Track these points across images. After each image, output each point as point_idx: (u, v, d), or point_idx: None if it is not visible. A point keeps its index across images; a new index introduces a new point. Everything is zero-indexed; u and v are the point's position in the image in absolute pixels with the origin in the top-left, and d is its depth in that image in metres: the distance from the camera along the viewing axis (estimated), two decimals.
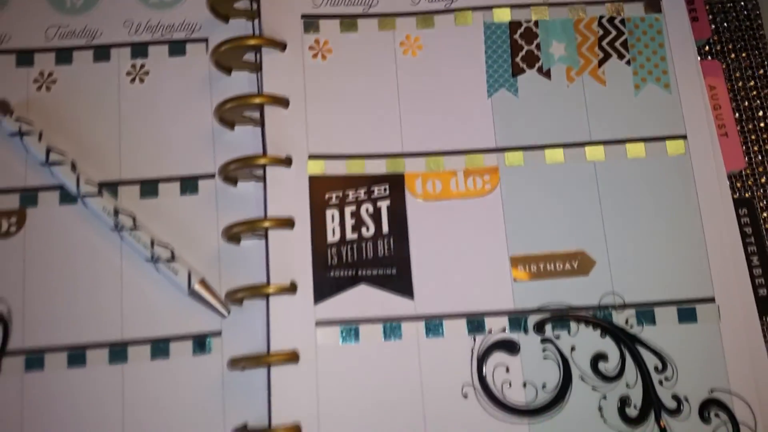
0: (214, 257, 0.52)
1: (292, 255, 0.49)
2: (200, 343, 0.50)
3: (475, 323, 0.49)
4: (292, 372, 0.47)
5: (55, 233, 0.52)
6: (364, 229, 0.50)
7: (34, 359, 0.50)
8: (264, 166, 0.50)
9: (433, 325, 0.49)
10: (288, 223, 0.49)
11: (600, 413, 0.47)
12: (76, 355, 0.50)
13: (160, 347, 0.50)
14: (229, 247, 0.51)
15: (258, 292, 0.48)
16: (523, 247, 0.50)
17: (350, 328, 0.48)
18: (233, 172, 0.51)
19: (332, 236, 0.50)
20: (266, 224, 0.48)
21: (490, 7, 0.55)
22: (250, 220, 0.49)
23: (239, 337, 0.50)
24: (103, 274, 0.52)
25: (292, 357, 0.47)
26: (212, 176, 0.53)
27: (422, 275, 0.50)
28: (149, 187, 0.53)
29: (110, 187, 0.53)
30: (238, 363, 0.47)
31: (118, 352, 0.50)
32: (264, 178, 0.50)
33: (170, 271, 0.50)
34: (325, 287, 0.49)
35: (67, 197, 0.52)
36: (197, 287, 0.50)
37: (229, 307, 0.50)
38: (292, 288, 0.48)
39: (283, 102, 0.51)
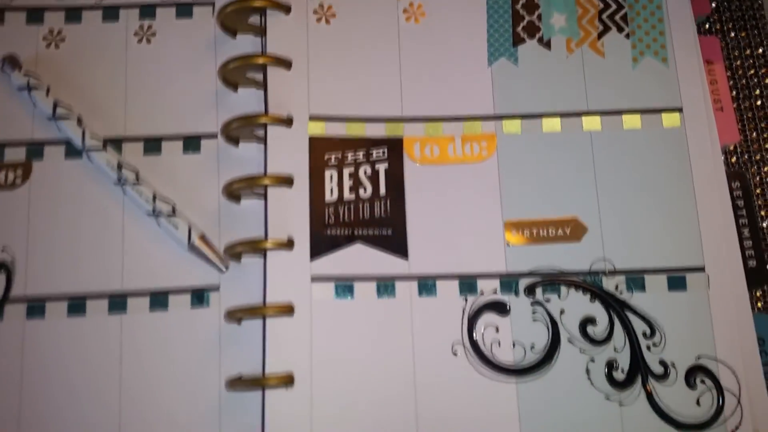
0: (214, 215, 0.52)
1: (290, 212, 0.50)
2: (198, 297, 0.51)
3: (468, 284, 0.50)
4: (286, 324, 0.48)
5: (60, 186, 0.52)
6: (361, 190, 0.51)
7: (36, 307, 0.51)
8: (265, 125, 0.51)
9: (427, 285, 0.50)
10: (287, 181, 0.50)
11: (587, 375, 0.48)
12: (77, 305, 0.51)
13: (159, 299, 0.51)
14: (229, 206, 0.52)
15: (256, 247, 0.49)
16: (517, 213, 0.51)
17: (345, 285, 0.49)
18: (235, 131, 0.52)
19: (330, 196, 0.51)
20: (266, 181, 0.49)
21: None
22: (250, 176, 0.50)
23: (237, 291, 0.51)
24: (105, 226, 0.52)
25: (287, 310, 0.48)
26: (215, 136, 0.53)
27: (417, 236, 0.50)
28: (152, 145, 0.54)
29: (115, 144, 0.54)
30: (234, 315, 0.48)
31: (117, 302, 0.51)
32: (265, 138, 0.50)
33: (171, 226, 0.51)
34: (322, 244, 0.50)
35: (72, 151, 0.53)
36: (197, 242, 0.51)
37: (227, 262, 0.51)
38: (289, 244, 0.49)
39: (286, 63, 0.52)
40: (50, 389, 0.49)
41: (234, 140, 0.52)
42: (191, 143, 0.54)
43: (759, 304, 0.53)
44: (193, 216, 0.52)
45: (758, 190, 0.55)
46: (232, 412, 0.49)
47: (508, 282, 0.49)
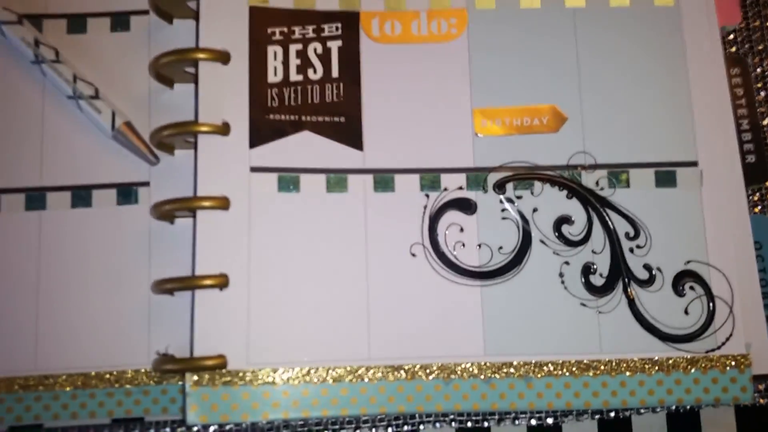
0: (143, 102, 0.47)
1: (226, 93, 0.43)
2: (125, 193, 0.46)
3: (430, 179, 0.44)
4: (221, 219, 0.42)
5: None
6: (310, 71, 0.44)
7: None
8: None
9: (383, 179, 0.43)
10: (222, 56, 0.44)
11: (560, 279, 0.43)
12: None
13: (81, 195, 0.46)
14: (160, 92, 0.47)
15: (185, 129, 0.42)
16: (488, 100, 0.45)
17: (290, 177, 0.43)
18: (166, 3, 0.45)
19: (274, 76, 0.44)
20: (198, 55, 0.43)
21: None
22: (178, 50, 0.43)
23: (169, 187, 0.46)
24: (21, 113, 0.47)
25: (222, 203, 0.42)
26: (146, 12, 0.48)
27: (374, 125, 0.44)
28: (77, 22, 0.48)
29: (34, 20, 0.47)
30: (161, 209, 0.43)
31: (35, 198, 0.46)
32: (197, 6, 0.43)
33: (93, 110, 0.45)
34: (263, 131, 0.43)
35: None
36: (122, 128, 0.44)
37: (157, 154, 0.45)
38: (224, 129, 0.43)
39: None
40: None
41: (167, 16, 0.46)
42: (120, 20, 0.48)
43: (757, 209, 0.47)
44: (121, 103, 0.46)
45: (759, 84, 0.49)
46: (162, 316, 0.44)
47: (476, 177, 0.43)
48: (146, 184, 0.46)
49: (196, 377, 0.40)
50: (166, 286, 0.41)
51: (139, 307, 0.44)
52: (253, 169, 0.43)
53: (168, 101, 0.47)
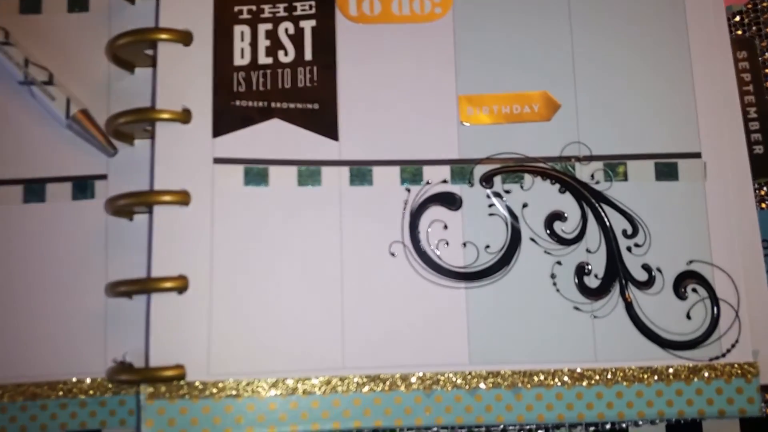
0: (102, 88, 0.44)
1: (188, 77, 0.40)
2: (81, 187, 0.43)
3: (411, 172, 0.40)
4: (180, 215, 0.38)
5: None
6: (281, 53, 0.41)
7: None
8: None
9: (360, 172, 0.40)
10: (184, 37, 0.40)
11: (552, 281, 0.39)
12: None
13: (33, 189, 0.43)
14: (120, 77, 0.43)
15: (141, 117, 0.38)
16: (475, 86, 0.42)
17: (258, 170, 0.39)
18: None
19: (240, 58, 0.40)
20: (156, 36, 0.39)
21: None
22: (136, 30, 0.39)
23: (127, 180, 0.42)
24: None
25: (182, 198, 0.38)
26: None
27: (350, 113, 0.41)
28: (31, 1, 0.45)
29: None
30: (115, 204, 0.39)
31: None
32: None
33: (46, 97, 0.41)
34: (229, 119, 0.40)
35: None
36: (78, 116, 0.40)
37: (114, 145, 0.41)
38: (184, 116, 0.39)
39: None
40: None
41: None
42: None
43: (764, 204, 0.43)
44: (77, 89, 0.43)
45: (767, 69, 0.45)
46: (120, 321, 0.41)
47: (461, 169, 0.40)
48: (103, 177, 0.43)
49: (151, 389, 0.36)
50: (120, 290, 0.38)
51: (94, 310, 0.41)
52: (217, 161, 0.39)
53: (128, 87, 0.44)
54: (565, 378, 0.39)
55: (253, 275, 0.38)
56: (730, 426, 0.42)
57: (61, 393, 0.40)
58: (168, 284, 0.37)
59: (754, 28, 0.46)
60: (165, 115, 0.39)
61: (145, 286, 0.37)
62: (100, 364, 0.41)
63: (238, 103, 0.40)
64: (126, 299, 0.41)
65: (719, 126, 0.42)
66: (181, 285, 0.38)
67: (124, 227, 0.42)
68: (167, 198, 0.38)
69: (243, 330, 0.38)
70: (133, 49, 0.41)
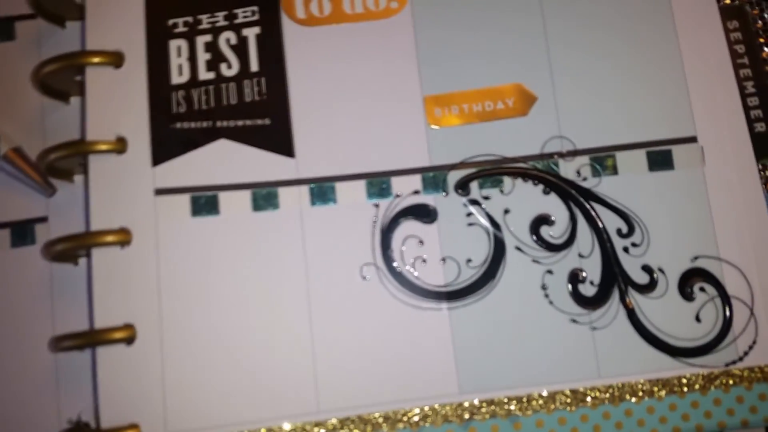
0: (35, 122, 0.41)
1: (121, 102, 0.36)
2: (20, 233, 0.39)
3: (378, 185, 0.36)
4: (122, 257, 0.34)
5: None
6: (224, 67, 0.37)
7: None
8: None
9: (322, 190, 0.36)
10: (114, 58, 0.36)
11: (544, 292, 0.35)
12: None
13: None
14: (54, 109, 0.40)
15: (73, 150, 0.34)
16: (441, 84, 0.38)
17: (206, 198, 0.35)
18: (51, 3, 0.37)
19: (179, 76, 0.37)
20: (83, 60, 0.35)
21: None
22: (61, 56, 0.35)
23: (70, 221, 0.39)
24: None
25: (122, 237, 0.34)
26: (33, 16, 0.41)
27: (306, 126, 0.37)
28: None
29: None
30: (52, 250, 0.36)
31: None
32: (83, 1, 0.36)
33: None
34: (169, 144, 0.36)
35: None
36: (9, 155, 0.36)
37: (52, 184, 0.37)
38: (119, 145, 0.35)
39: None
40: None
41: (57, 18, 0.40)
42: (2, 28, 0.42)
43: None
44: (8, 125, 0.40)
45: (763, 38, 0.40)
46: (73, 376, 0.37)
47: (433, 178, 0.36)
48: (44, 219, 0.39)
49: None
50: (64, 345, 0.34)
51: (43, 367, 0.38)
52: (159, 192, 0.35)
53: (64, 119, 0.40)
54: (567, 399, 0.35)
55: (209, 317, 0.34)
56: None
57: None
58: (114, 335, 0.34)
59: None
60: (97, 147, 0.35)
61: (89, 339, 0.33)
62: (54, 425, 0.37)
63: (178, 125, 0.36)
64: (77, 353, 0.36)
65: (714, 105, 0.38)
66: (129, 335, 0.34)
67: (70, 273, 0.38)
68: (106, 238, 0.34)
69: (201, 379, 0.34)
70: (63, 77, 0.37)
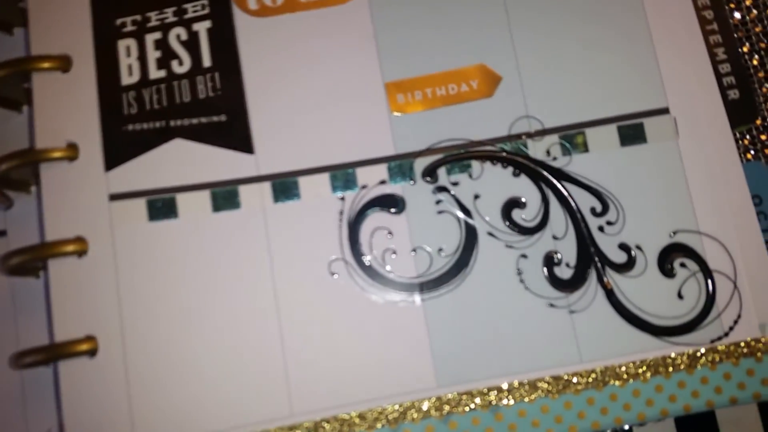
0: None
1: (69, 107, 0.34)
2: None
3: (343, 177, 0.35)
4: (78, 267, 0.32)
5: None
6: (175, 64, 0.35)
7: None
8: None
9: (284, 185, 0.34)
10: (61, 63, 0.35)
11: (519, 278, 0.34)
12: None
13: None
14: (6, 119, 0.39)
15: (22, 160, 0.33)
16: (403, 69, 0.37)
17: (163, 200, 0.34)
18: None
19: (129, 76, 0.35)
20: (30, 65, 0.33)
21: None
22: (4, 63, 0.33)
23: (28, 234, 0.37)
24: None
25: (78, 246, 0.33)
26: None
27: (264, 120, 0.36)
28: None
29: None
30: (7, 264, 0.33)
31: None
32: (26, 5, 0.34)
33: None
34: (122, 147, 0.34)
35: None
36: None
37: (8, 196, 0.36)
38: (70, 152, 0.33)
39: None
40: None
41: (4, 24, 0.38)
42: None
43: (749, 155, 0.37)
44: None
45: (733, 2, 0.39)
46: (40, 392, 0.36)
47: (399, 166, 0.34)
48: (2, 233, 0.37)
49: None
50: (25, 361, 0.33)
51: (10, 385, 0.36)
52: (114, 197, 0.34)
53: (17, 128, 0.39)
54: (549, 387, 0.33)
55: (172, 324, 0.33)
56: (747, 411, 0.36)
57: None
58: (75, 348, 0.32)
59: None
60: (47, 155, 0.34)
61: (50, 353, 0.32)
62: None
63: (131, 127, 0.35)
64: (44, 368, 0.35)
65: (685, 74, 0.37)
66: (91, 347, 0.32)
67: (32, 287, 0.37)
68: (61, 249, 0.33)
69: (168, 388, 0.33)
70: (10, 85, 0.35)
